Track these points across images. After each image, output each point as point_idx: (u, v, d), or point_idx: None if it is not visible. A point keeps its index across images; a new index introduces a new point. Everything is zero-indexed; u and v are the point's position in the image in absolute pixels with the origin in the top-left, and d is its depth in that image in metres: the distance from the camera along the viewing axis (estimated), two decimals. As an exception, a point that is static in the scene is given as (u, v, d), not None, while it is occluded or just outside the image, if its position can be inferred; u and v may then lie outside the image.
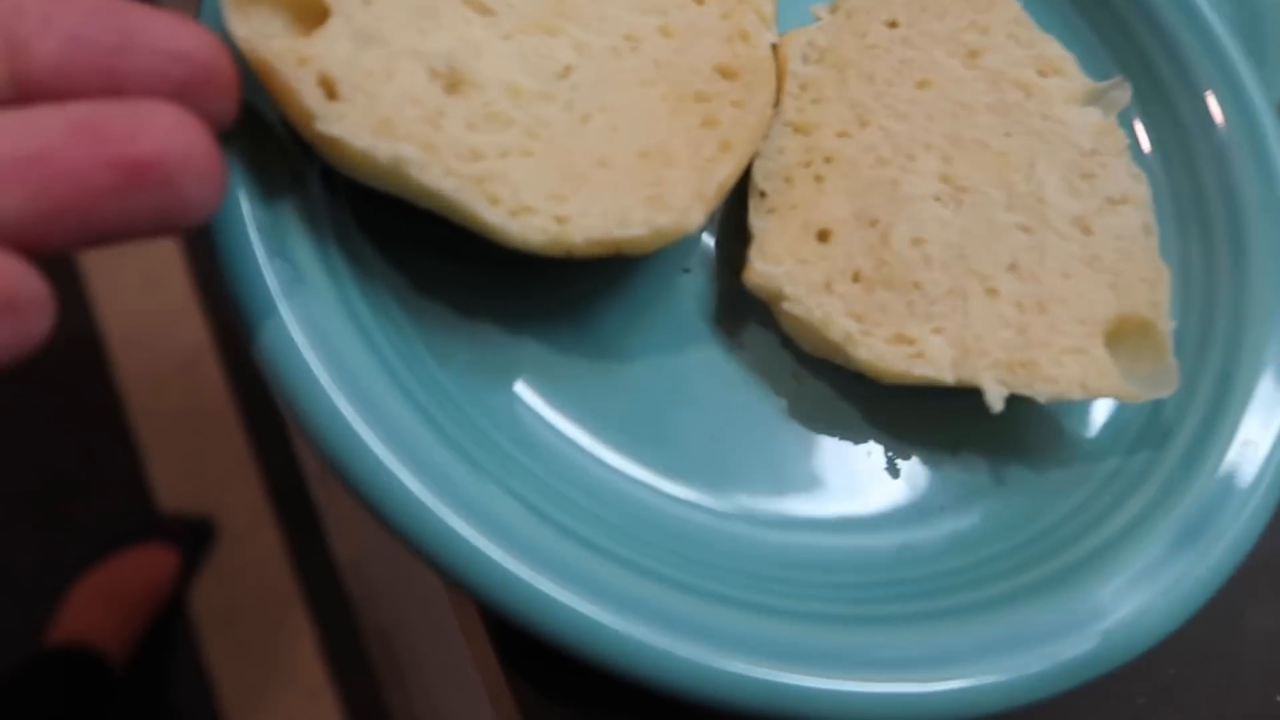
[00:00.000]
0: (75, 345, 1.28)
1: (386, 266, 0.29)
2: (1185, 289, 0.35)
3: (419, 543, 0.24)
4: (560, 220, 0.27)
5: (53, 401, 1.26)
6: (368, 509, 0.24)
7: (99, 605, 1.13)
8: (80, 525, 1.22)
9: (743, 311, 0.32)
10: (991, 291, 0.31)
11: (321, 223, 0.28)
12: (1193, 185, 0.36)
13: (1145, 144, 0.38)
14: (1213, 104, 0.37)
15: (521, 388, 0.29)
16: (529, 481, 0.27)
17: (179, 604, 1.21)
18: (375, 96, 0.25)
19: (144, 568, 1.18)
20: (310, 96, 0.24)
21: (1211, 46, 0.37)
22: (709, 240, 0.33)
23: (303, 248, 0.26)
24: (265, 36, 0.25)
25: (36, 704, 1.00)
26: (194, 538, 1.24)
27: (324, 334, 0.25)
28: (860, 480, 0.31)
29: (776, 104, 0.33)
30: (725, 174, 0.29)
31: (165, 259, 1.40)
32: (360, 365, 0.25)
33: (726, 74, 0.31)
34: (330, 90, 0.25)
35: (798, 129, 0.33)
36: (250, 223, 0.26)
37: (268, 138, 0.27)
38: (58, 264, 1.28)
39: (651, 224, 0.27)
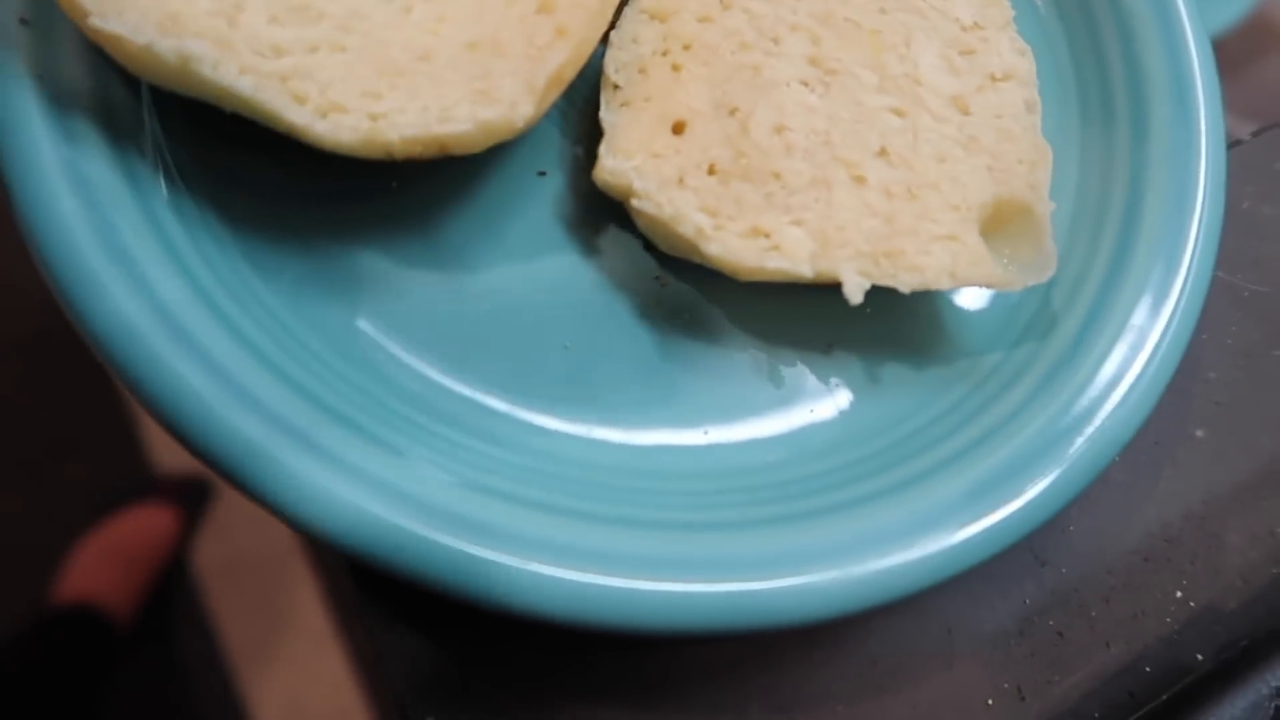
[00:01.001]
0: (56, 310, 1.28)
1: (203, 175, 0.27)
2: (1083, 170, 0.33)
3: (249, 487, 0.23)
4: (374, 117, 0.25)
5: (45, 366, 1.27)
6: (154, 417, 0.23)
7: (101, 565, 1.14)
8: (78, 487, 1.23)
9: (603, 214, 0.31)
10: (858, 179, 0.29)
11: (124, 127, 0.26)
12: (1095, 59, 0.34)
13: (1044, 13, 0.35)
14: None
15: (360, 305, 0.28)
16: (366, 404, 0.26)
17: (181, 561, 1.22)
18: None
19: (144, 526, 1.19)
20: None
21: None
22: (567, 141, 0.31)
23: (98, 157, 0.25)
24: None
25: (44, 664, 1.01)
26: (192, 496, 1.24)
27: (124, 255, 0.24)
28: (726, 385, 0.29)
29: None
30: (559, 62, 0.27)
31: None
32: (169, 293, 0.24)
33: None
34: None
35: (654, 15, 0.31)
36: (41, 130, 0.24)
37: (62, 36, 0.26)
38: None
39: (476, 119, 0.26)
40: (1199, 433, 0.35)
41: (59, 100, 0.25)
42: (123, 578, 1.14)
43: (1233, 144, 0.39)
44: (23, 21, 0.25)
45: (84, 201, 0.24)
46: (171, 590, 1.21)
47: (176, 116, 0.27)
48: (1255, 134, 0.39)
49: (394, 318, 0.28)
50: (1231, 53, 0.84)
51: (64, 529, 1.18)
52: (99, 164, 0.25)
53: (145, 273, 0.24)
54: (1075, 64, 0.35)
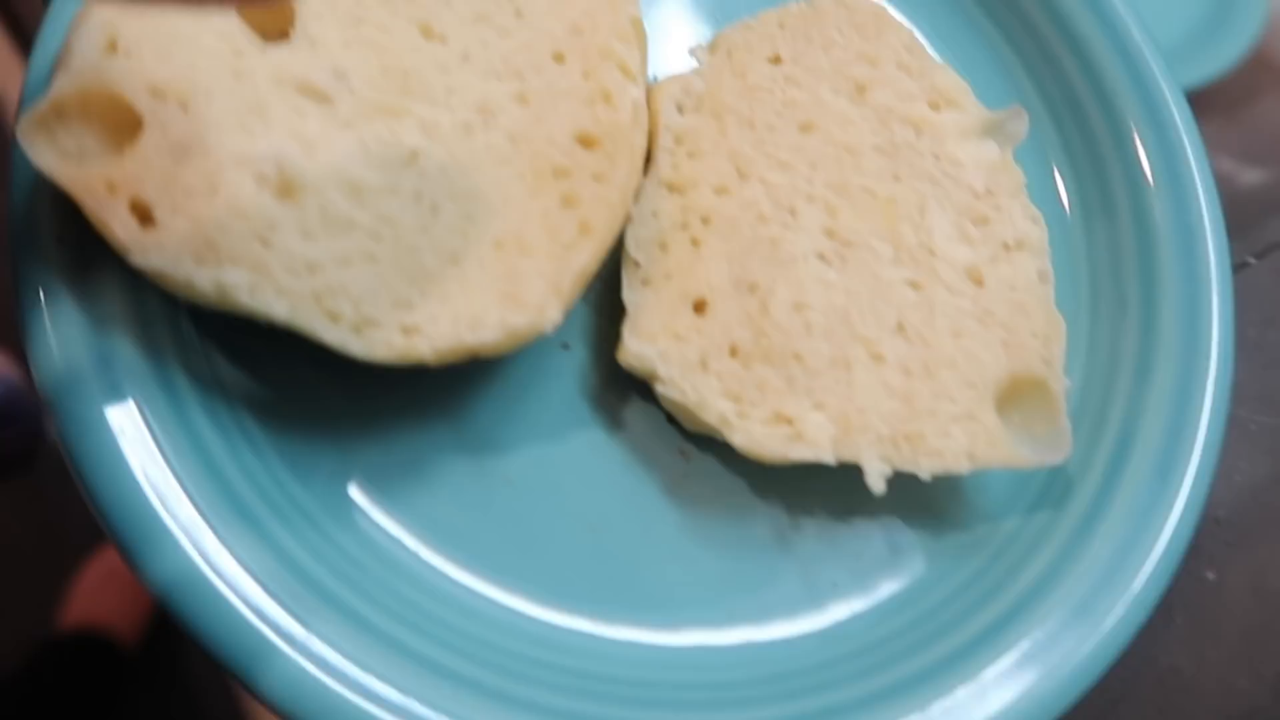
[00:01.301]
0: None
1: (236, 375, 0.27)
2: (1091, 346, 0.33)
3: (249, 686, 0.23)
4: (408, 331, 0.25)
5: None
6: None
7: (107, 588, 1.15)
8: (82, 509, 1.23)
9: (626, 387, 0.31)
10: (877, 357, 0.29)
11: (157, 330, 0.26)
12: (1110, 240, 0.35)
13: (1064, 197, 0.36)
14: (1142, 157, 0.35)
15: (391, 499, 0.28)
16: (389, 602, 0.26)
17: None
18: (197, 217, 0.24)
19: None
20: (123, 228, 0.23)
21: (1145, 90, 0.35)
22: (590, 312, 0.32)
23: (130, 359, 0.25)
24: (76, 157, 0.24)
25: (54, 690, 1.02)
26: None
27: (152, 456, 0.24)
28: (749, 564, 0.30)
29: (649, 162, 0.31)
30: (584, 261, 0.27)
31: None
32: (197, 490, 0.24)
33: (587, 143, 0.29)
34: (145, 215, 0.23)
35: (672, 188, 0.31)
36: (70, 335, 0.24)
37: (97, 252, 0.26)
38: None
39: (506, 325, 0.26)
40: (1210, 575, 0.35)
41: (94, 312, 0.25)
42: (127, 601, 1.15)
43: (1238, 267, 0.40)
44: (59, 239, 0.25)
45: (120, 409, 0.24)
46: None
47: (210, 322, 0.27)
48: (1259, 256, 0.40)
49: (423, 510, 0.28)
50: (1230, 93, 0.84)
51: (69, 552, 1.18)
52: (134, 370, 0.25)
53: (181, 480, 0.24)
54: (1089, 242, 0.35)
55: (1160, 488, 0.30)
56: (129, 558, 0.24)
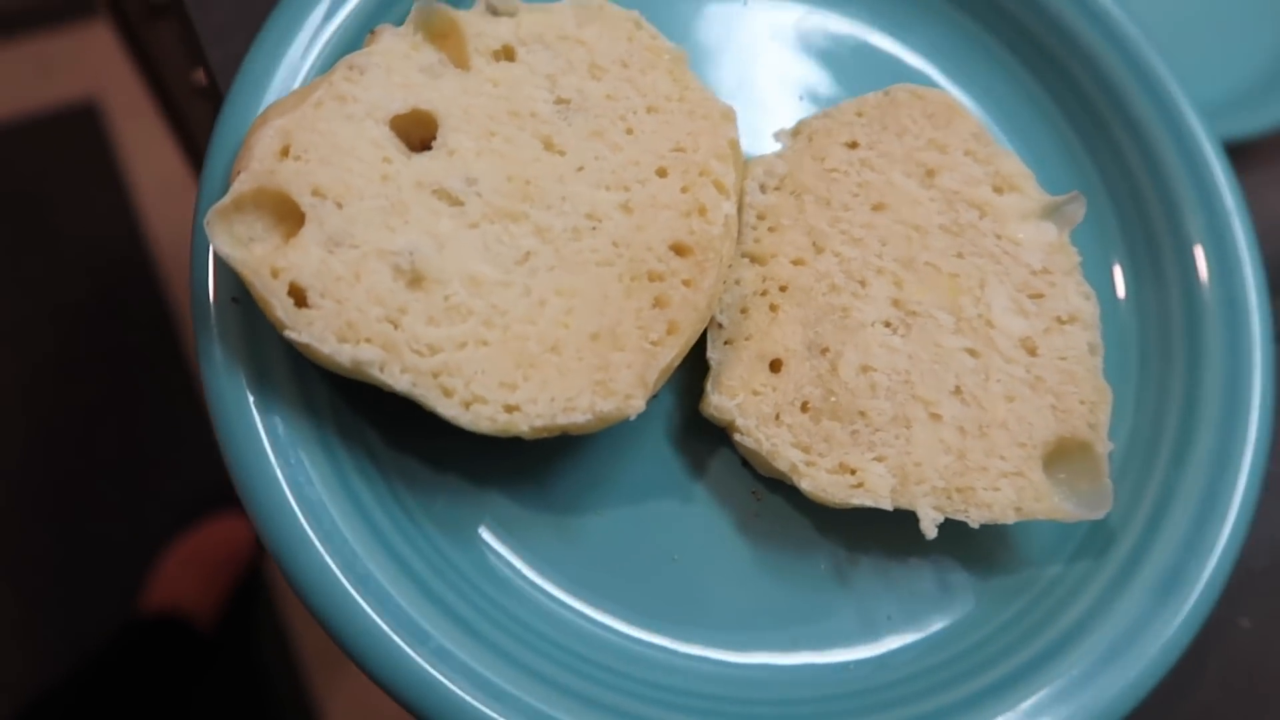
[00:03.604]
0: (155, 325, 1.36)
1: (372, 428, 0.32)
2: (1138, 410, 0.36)
3: (396, 693, 0.28)
4: (509, 409, 0.29)
5: (133, 379, 1.34)
6: (350, 657, 0.28)
7: (187, 572, 1.22)
8: (164, 497, 1.30)
9: (707, 433, 0.35)
10: (935, 416, 0.33)
11: (318, 403, 0.31)
12: (1160, 318, 0.38)
13: (1120, 275, 0.39)
14: (1200, 260, 0.38)
15: (492, 532, 0.32)
16: (511, 628, 0.30)
17: (259, 570, 1.29)
18: (342, 300, 0.28)
19: (226, 535, 1.25)
20: (281, 307, 0.27)
21: (1210, 200, 0.38)
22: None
23: (298, 429, 0.30)
24: (248, 241, 0.28)
25: (135, 668, 1.09)
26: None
27: (311, 501, 0.29)
28: (811, 595, 0.33)
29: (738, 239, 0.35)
30: (669, 357, 0.31)
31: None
32: (345, 524, 0.29)
33: (681, 251, 0.32)
34: (300, 298, 0.28)
35: (754, 259, 0.35)
36: (249, 401, 0.29)
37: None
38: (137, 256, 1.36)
39: (595, 410, 0.29)
40: (1245, 623, 0.38)
41: (263, 366, 0.30)
42: (206, 585, 1.21)
43: (1285, 335, 0.42)
44: (234, 300, 0.30)
45: (285, 464, 0.29)
46: (251, 597, 1.28)
47: (358, 390, 0.32)
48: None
49: (532, 541, 0.32)
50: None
51: (151, 538, 1.25)
52: (296, 425, 0.30)
53: (337, 524, 0.29)
54: (1139, 307, 0.38)
55: (1195, 545, 0.33)
56: (288, 576, 0.28)
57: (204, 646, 1.15)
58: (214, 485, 1.31)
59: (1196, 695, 0.37)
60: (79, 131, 1.42)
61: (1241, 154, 0.58)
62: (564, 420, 0.29)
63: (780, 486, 0.34)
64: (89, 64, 1.46)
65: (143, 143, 1.40)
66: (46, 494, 1.25)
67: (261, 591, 1.29)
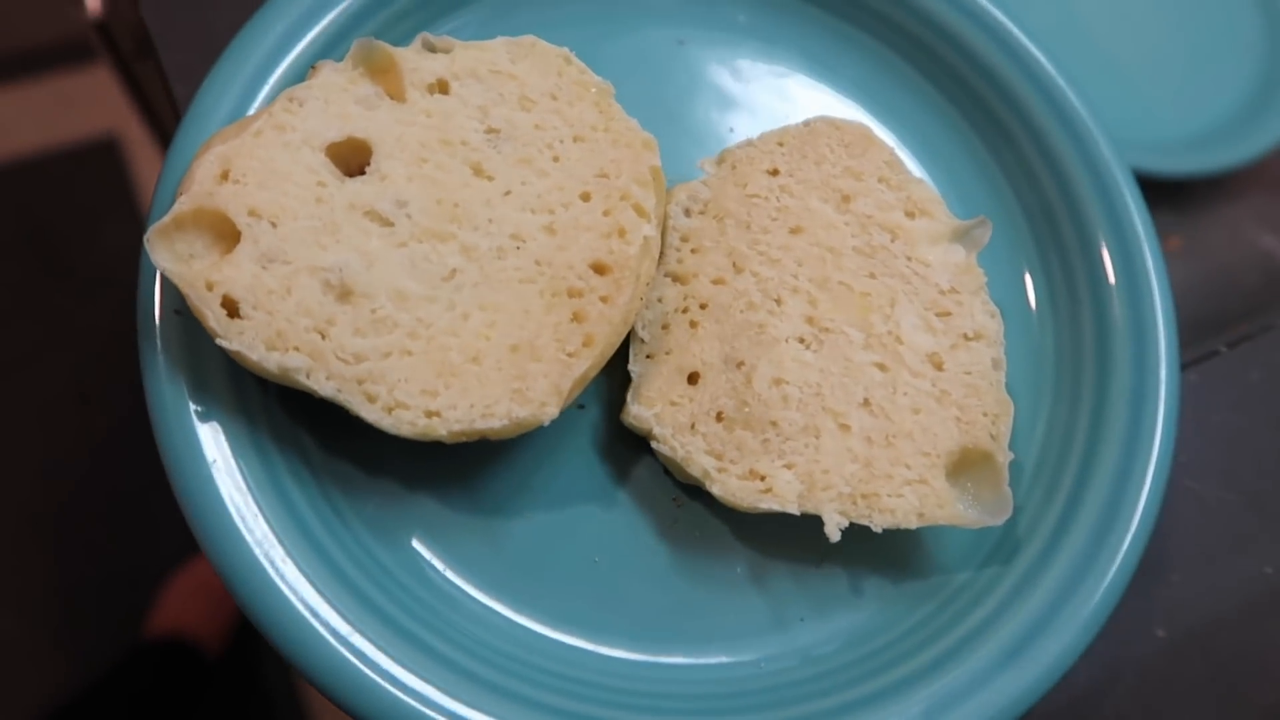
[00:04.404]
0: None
1: (308, 434, 0.34)
2: (1050, 425, 0.38)
3: (317, 680, 0.30)
4: (430, 415, 0.31)
5: (145, 408, 1.38)
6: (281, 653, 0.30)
7: (193, 598, 1.23)
8: (172, 523, 1.33)
9: (631, 443, 0.37)
10: (844, 426, 0.35)
11: (254, 410, 0.33)
12: (1073, 333, 0.39)
13: (1033, 293, 0.41)
14: (1106, 261, 0.39)
15: (420, 535, 0.34)
16: (435, 623, 0.32)
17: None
18: (273, 312, 0.30)
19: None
20: (214, 317, 0.30)
21: (1112, 205, 0.40)
22: (603, 379, 0.38)
23: (233, 434, 0.32)
24: (188, 258, 0.31)
25: (141, 692, 1.11)
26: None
27: (241, 497, 0.31)
28: (728, 595, 0.35)
29: (659, 260, 0.37)
30: (584, 368, 0.32)
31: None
32: (275, 520, 0.31)
33: (600, 270, 0.34)
34: (233, 309, 0.30)
35: (677, 278, 0.37)
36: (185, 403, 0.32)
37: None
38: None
39: (512, 417, 0.31)
40: (1160, 633, 0.39)
41: (201, 373, 0.32)
42: (212, 611, 1.23)
43: (1208, 355, 0.43)
44: (176, 312, 0.32)
45: (219, 463, 0.31)
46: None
47: (287, 389, 0.34)
48: (1230, 345, 0.44)
49: (456, 544, 0.34)
50: (1275, 171, 0.86)
51: (158, 562, 1.27)
52: (231, 425, 0.32)
53: (264, 521, 0.31)
54: (1054, 323, 0.40)
55: (1096, 552, 0.35)
56: (220, 571, 0.30)
57: (208, 671, 1.17)
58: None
59: (1110, 704, 0.38)
60: (98, 165, 1.47)
61: (1218, 187, 0.59)
62: (482, 425, 0.31)
63: (700, 494, 0.36)
64: (108, 100, 1.52)
65: (159, 176, 1.44)
66: (57, 519, 1.28)
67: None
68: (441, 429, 0.31)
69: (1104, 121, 0.41)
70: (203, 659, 1.17)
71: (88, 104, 1.54)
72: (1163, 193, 0.55)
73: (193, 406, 0.32)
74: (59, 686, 1.18)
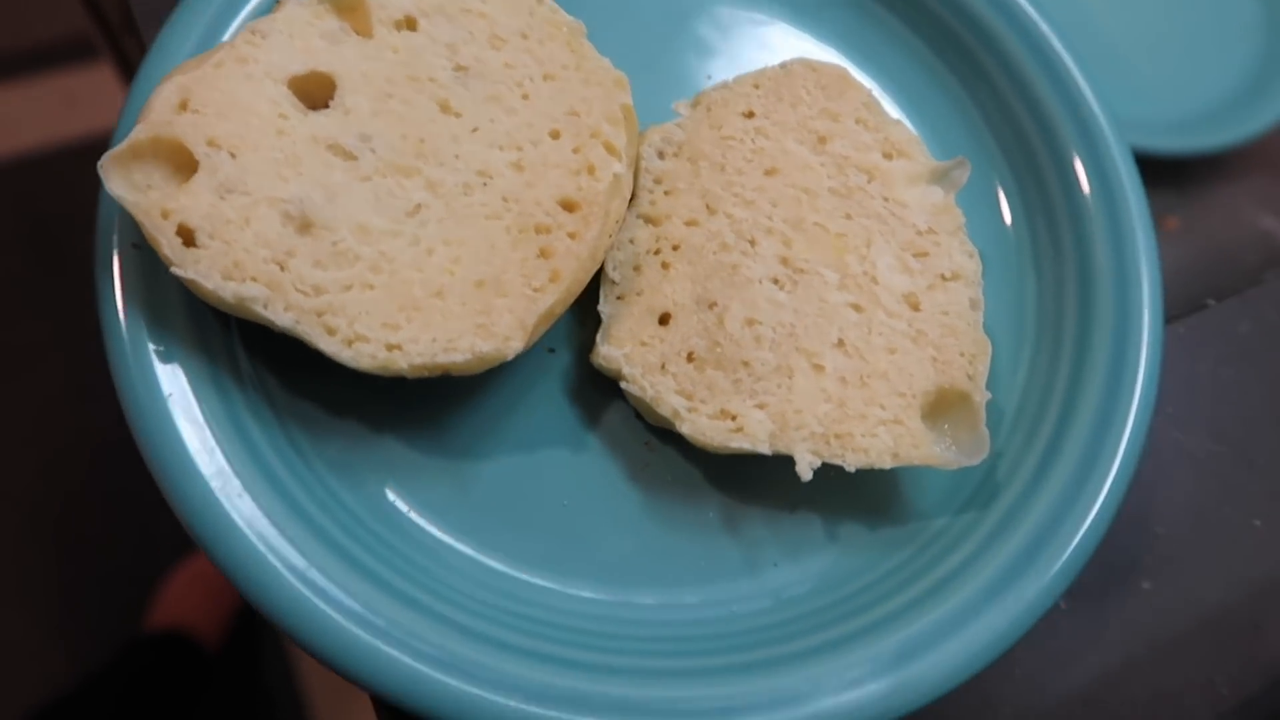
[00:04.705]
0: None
1: (271, 374, 0.34)
2: (1032, 368, 0.37)
3: (276, 617, 0.29)
4: (390, 348, 0.30)
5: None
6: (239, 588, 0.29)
7: (192, 593, 1.23)
8: (171, 519, 1.33)
9: (601, 387, 0.36)
10: (817, 367, 0.34)
11: (214, 347, 0.32)
12: (1055, 274, 0.39)
13: (1013, 230, 0.40)
14: (1080, 171, 0.39)
15: (384, 477, 0.33)
16: (396, 563, 0.31)
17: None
18: (230, 242, 0.30)
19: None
20: (168, 245, 0.29)
21: (1080, 115, 0.39)
22: (574, 323, 0.37)
23: (192, 370, 0.31)
24: (143, 188, 0.30)
25: (138, 684, 1.10)
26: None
27: (197, 431, 0.30)
28: (700, 540, 0.34)
29: (631, 201, 0.36)
30: (550, 303, 0.32)
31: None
32: (233, 456, 0.31)
33: (569, 207, 0.34)
34: (189, 239, 0.30)
35: (648, 220, 0.36)
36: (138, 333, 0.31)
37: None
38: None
39: (475, 350, 0.31)
40: (1146, 585, 0.38)
41: (159, 307, 0.32)
42: (211, 605, 1.22)
43: (1197, 308, 0.43)
44: (134, 245, 0.32)
45: (176, 398, 0.30)
46: (255, 618, 1.30)
47: (251, 324, 0.34)
48: (1219, 299, 0.43)
49: (423, 485, 0.34)
50: (1274, 150, 0.85)
51: (159, 556, 1.27)
52: (190, 362, 0.31)
53: (222, 453, 0.30)
54: (1035, 262, 0.39)
55: (1075, 496, 0.34)
56: (174, 505, 0.30)
57: (207, 665, 1.16)
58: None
59: (1096, 655, 0.37)
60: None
61: (1217, 166, 0.59)
62: (444, 359, 0.30)
63: (672, 439, 0.35)
64: (111, 98, 1.52)
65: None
66: (57, 513, 1.28)
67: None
68: (402, 362, 0.30)
69: (1080, 57, 0.40)
70: (202, 652, 1.17)
71: (91, 101, 1.54)
72: (1161, 172, 0.54)
73: (150, 340, 0.31)
74: (58, 682, 1.18)
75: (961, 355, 0.34)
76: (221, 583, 1.24)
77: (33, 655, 1.20)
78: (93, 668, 1.08)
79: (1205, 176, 0.61)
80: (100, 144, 1.46)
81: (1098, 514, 0.33)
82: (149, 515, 1.31)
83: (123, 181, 0.30)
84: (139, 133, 0.30)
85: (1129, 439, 0.35)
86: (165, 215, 0.29)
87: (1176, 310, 0.42)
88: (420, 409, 0.34)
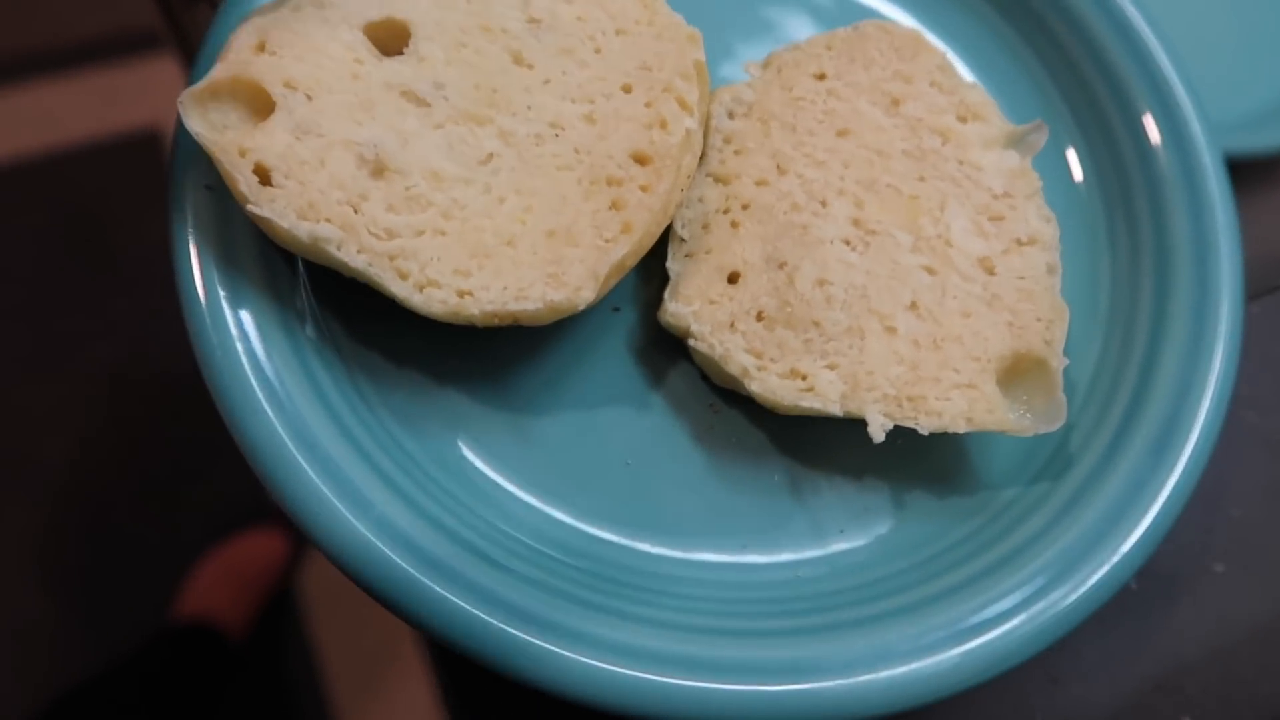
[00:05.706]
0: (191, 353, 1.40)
1: (338, 320, 0.33)
2: (1109, 327, 0.36)
3: (337, 558, 0.28)
4: (462, 294, 0.30)
5: (173, 397, 1.38)
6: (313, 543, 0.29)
7: (219, 584, 1.24)
8: (199, 510, 1.33)
9: (667, 347, 0.35)
10: (890, 330, 0.33)
11: (283, 290, 0.32)
12: (1127, 214, 0.38)
13: (1078, 174, 0.39)
14: (1151, 130, 0.38)
15: (447, 425, 0.33)
16: (459, 512, 0.31)
17: (290, 585, 1.31)
18: (305, 182, 0.30)
19: (259, 549, 1.28)
20: (245, 182, 0.29)
21: (1152, 75, 0.39)
22: (640, 282, 0.36)
23: (261, 311, 0.31)
24: (220, 127, 0.30)
25: (165, 675, 1.11)
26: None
27: (266, 372, 0.30)
28: (766, 504, 0.34)
29: (701, 160, 0.36)
30: (621, 254, 0.31)
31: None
32: (300, 397, 0.30)
33: (641, 160, 0.33)
34: (265, 177, 0.29)
35: (718, 179, 0.36)
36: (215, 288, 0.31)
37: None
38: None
39: (546, 300, 0.30)
40: (1219, 567, 0.37)
41: (230, 250, 0.31)
42: (237, 597, 1.23)
43: (1271, 290, 0.41)
44: (207, 187, 0.32)
45: (244, 338, 0.30)
46: (281, 612, 1.30)
47: (320, 272, 0.34)
48: (1297, 280, 0.42)
49: (492, 440, 0.33)
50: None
51: (186, 549, 1.28)
52: (260, 304, 0.31)
53: (290, 395, 0.30)
54: (1109, 231, 0.38)
55: (1152, 470, 0.33)
56: (242, 444, 0.29)
57: (232, 657, 1.17)
58: (249, 499, 1.33)
59: (1166, 636, 0.36)
60: (141, 157, 1.49)
61: (1268, 170, 0.57)
62: (515, 308, 0.30)
63: (738, 400, 0.35)
64: (151, 94, 1.54)
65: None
66: (88, 505, 1.29)
67: (292, 606, 1.31)
68: (474, 309, 0.30)
69: (1152, 19, 0.39)
70: (227, 643, 1.17)
71: (132, 97, 1.56)
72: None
73: (220, 280, 0.31)
74: (84, 670, 1.18)
75: (1038, 320, 0.33)
76: (249, 575, 1.25)
77: (60, 642, 1.21)
78: (118, 656, 1.09)
79: (1259, 179, 0.60)
80: (142, 139, 1.48)
81: (1173, 492, 0.32)
82: (178, 506, 1.32)
83: (200, 119, 0.29)
84: (218, 72, 0.30)
85: (1206, 416, 0.34)
86: (242, 154, 0.29)
87: (1252, 290, 0.41)
88: (485, 362, 0.34)
